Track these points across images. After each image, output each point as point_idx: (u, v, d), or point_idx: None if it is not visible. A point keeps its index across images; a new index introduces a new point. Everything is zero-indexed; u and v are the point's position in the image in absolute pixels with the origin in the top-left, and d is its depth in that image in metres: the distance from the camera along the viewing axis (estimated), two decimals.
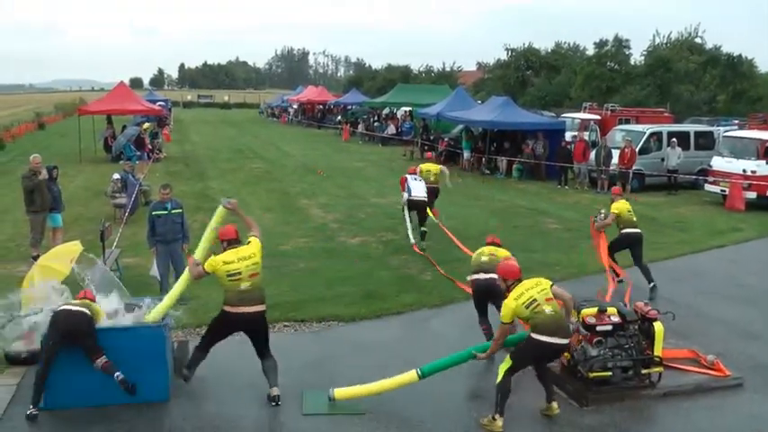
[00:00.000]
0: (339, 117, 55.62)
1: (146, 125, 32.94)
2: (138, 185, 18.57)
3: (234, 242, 8.49)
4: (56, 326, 7.97)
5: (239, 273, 8.16)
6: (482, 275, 9.51)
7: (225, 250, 8.37)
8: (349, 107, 55.61)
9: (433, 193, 17.02)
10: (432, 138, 34.56)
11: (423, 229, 15.86)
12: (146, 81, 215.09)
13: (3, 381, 8.90)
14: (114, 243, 13.50)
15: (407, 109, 44.27)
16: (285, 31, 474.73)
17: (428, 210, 16.35)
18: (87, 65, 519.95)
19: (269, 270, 13.78)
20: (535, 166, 27.46)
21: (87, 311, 8.06)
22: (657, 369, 8.57)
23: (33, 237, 14.45)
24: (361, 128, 47.38)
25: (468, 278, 10.07)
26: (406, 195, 16.00)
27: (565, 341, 7.74)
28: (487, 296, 9.52)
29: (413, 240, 15.74)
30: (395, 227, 17.89)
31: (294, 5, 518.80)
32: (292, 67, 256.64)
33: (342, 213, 19.72)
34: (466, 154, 30.73)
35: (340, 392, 8.28)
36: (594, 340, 8.46)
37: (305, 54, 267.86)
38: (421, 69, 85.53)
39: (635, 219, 13.04)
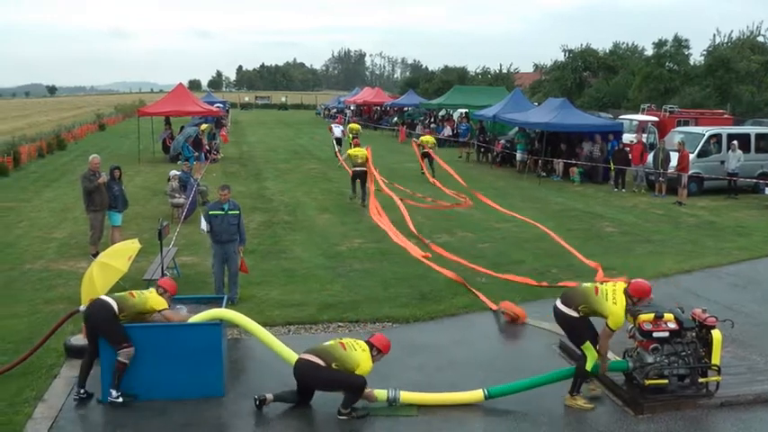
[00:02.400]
0: (395, 118, 55.72)
1: (203, 126, 33.40)
2: (195, 186, 18.88)
3: None
4: (84, 316, 8.45)
5: None
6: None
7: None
8: (405, 109, 55.63)
9: (360, 174, 21.58)
10: (488, 140, 34.40)
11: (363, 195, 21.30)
12: (204, 83, 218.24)
13: (63, 373, 9.19)
14: (172, 242, 13.77)
15: (464, 111, 44.11)
16: (342, 32, 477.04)
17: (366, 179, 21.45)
18: (147, 67, 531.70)
19: (324, 271, 13.97)
20: (591, 168, 27.10)
21: (112, 303, 8.25)
22: (715, 378, 8.38)
23: (93, 235, 14.80)
24: (418, 129, 47.37)
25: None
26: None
27: None
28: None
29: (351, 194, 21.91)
30: (451, 229, 17.88)
31: (351, 8, 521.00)
32: (349, 69, 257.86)
33: (397, 215, 19.72)
34: (520, 156, 30.50)
35: (406, 396, 8.31)
36: (651, 347, 8.31)
37: (362, 56, 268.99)
38: (478, 71, 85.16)
39: None
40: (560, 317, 8.40)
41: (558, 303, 8.43)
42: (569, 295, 8.41)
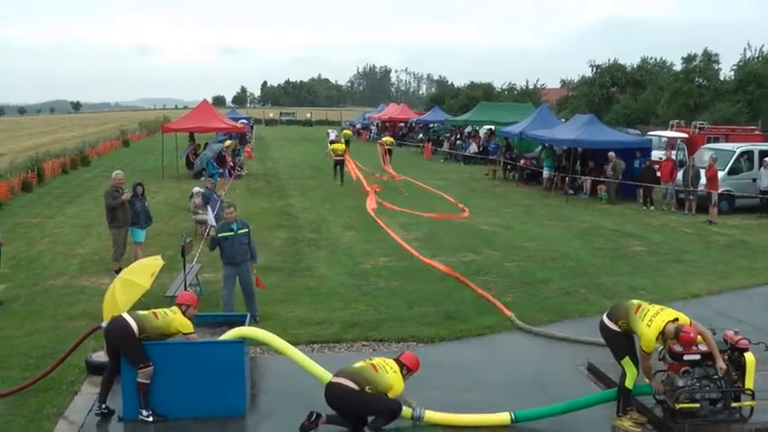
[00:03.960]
0: (421, 135, 55.72)
1: (228, 142, 33.61)
2: (219, 202, 18.97)
3: None
4: (104, 332, 8.46)
5: None
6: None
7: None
8: (431, 125, 55.68)
9: (339, 162, 31.17)
10: (514, 157, 34.28)
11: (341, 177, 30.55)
12: (228, 99, 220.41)
13: (84, 389, 9.22)
14: (195, 258, 13.80)
15: (490, 127, 44.05)
16: (368, 48, 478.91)
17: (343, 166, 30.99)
18: (172, 83, 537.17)
19: (349, 289, 13.94)
20: (611, 186, 26.89)
21: (132, 322, 8.22)
22: (749, 403, 8.20)
23: (115, 251, 14.86)
24: (445, 146, 47.38)
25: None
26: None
27: None
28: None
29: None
30: (477, 247, 17.80)
31: (377, 24, 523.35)
32: (374, 85, 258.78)
33: (422, 232, 19.71)
34: (547, 173, 30.35)
35: (430, 415, 8.24)
36: (682, 370, 8.16)
37: (387, 72, 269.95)
38: (504, 87, 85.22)
39: None
40: (603, 330, 8.46)
41: (604, 316, 8.50)
42: (615, 309, 8.46)
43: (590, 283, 14.51)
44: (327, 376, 8.19)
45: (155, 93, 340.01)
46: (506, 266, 15.83)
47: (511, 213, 23.38)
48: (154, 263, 10.41)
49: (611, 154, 26.75)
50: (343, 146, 33.00)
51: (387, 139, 42.53)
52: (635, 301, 8.39)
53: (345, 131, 51.18)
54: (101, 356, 9.36)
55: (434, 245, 18.07)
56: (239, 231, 11.61)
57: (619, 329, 8.23)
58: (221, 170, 30.44)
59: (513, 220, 22.13)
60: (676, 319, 7.97)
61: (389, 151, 39.01)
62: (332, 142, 40.59)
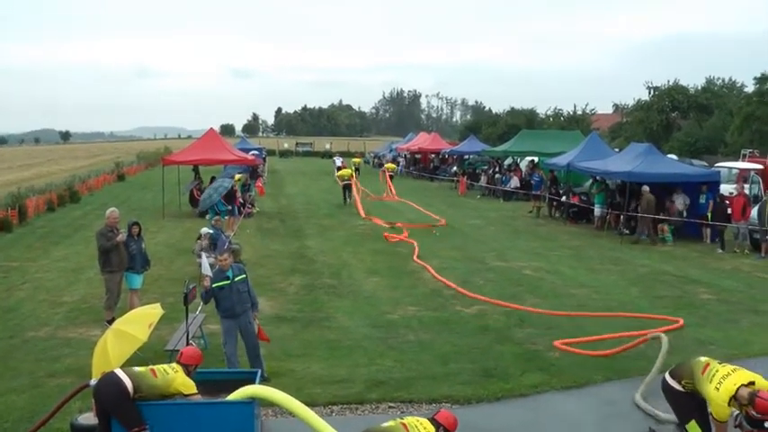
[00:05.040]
0: (455, 168, 55.88)
1: (237, 176, 33.72)
2: (227, 243, 19.04)
3: None
4: (93, 391, 8.43)
5: None
6: None
7: None
8: (466, 156, 55.82)
9: (347, 186, 39.13)
10: (560, 192, 34.20)
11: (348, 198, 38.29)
12: (238, 127, 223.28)
13: None
14: (199, 307, 13.78)
15: (533, 159, 44.06)
16: (394, 71, 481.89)
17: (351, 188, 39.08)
18: (174, 110, 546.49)
19: (373, 342, 13.89)
20: (680, 225, 26.74)
21: (126, 380, 8.19)
22: None
23: (108, 298, 14.86)
24: (483, 180, 47.41)
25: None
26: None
27: None
28: None
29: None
30: (520, 295, 17.70)
31: (404, 44, 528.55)
32: (402, 112, 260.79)
33: (457, 278, 19.63)
34: (597, 210, 30.20)
35: None
36: None
37: (416, 96, 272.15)
38: (548, 113, 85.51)
39: None
40: (666, 389, 8.44)
41: (667, 374, 8.48)
42: (679, 367, 8.43)
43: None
44: None
45: (154, 121, 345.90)
46: (553, 317, 15.69)
47: (557, 256, 23.27)
48: (152, 312, 10.47)
49: (645, 188, 26.62)
50: (350, 171, 41.28)
51: (389, 165, 55.37)
52: (702, 359, 8.27)
53: (355, 159, 61.08)
54: (89, 419, 9.31)
55: (470, 292, 17.97)
56: (236, 279, 11.54)
57: (682, 389, 8.14)
58: (230, 207, 30.52)
59: (560, 263, 22.03)
60: (752, 383, 7.80)
61: (391, 177, 49.25)
62: (338, 169, 48.54)
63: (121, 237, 14.76)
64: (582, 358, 12.94)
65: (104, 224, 14.97)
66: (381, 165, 76.53)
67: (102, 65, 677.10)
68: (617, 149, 41.61)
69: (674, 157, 39.08)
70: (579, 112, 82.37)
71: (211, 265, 17.70)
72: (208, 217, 26.37)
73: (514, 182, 43.40)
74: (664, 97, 67.64)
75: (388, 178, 48.11)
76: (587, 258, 23.10)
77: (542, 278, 19.89)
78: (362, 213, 33.62)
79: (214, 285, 11.42)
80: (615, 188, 30.48)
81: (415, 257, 22.46)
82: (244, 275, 11.72)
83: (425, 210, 35.60)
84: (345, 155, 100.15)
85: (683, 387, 8.14)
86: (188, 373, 8.52)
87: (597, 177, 30.95)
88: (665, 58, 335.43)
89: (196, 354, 8.85)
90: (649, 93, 69.12)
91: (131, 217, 16.83)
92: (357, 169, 51.07)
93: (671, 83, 68.89)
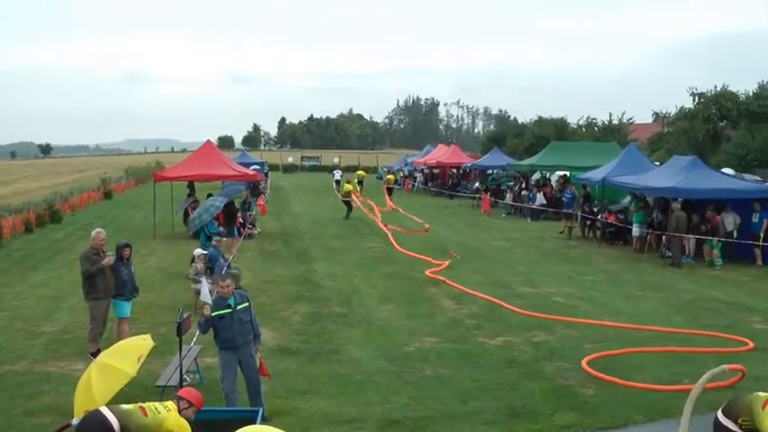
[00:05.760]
0: (477, 184, 55.90)
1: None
2: (226, 267, 19.06)
3: None
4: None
5: None
6: None
7: None
8: (489, 171, 55.81)
9: (346, 202, 42.79)
10: (595, 210, 34.13)
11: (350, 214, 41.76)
12: (238, 139, 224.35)
13: None
14: (194, 339, 13.79)
15: (564, 173, 44.02)
16: (409, 76, 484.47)
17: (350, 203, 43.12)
18: (166, 121, 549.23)
19: (387, 376, 13.87)
20: (729, 247, 26.65)
21: (112, 419, 8.13)
22: None
23: (93, 328, 14.90)
24: (508, 198, 47.36)
25: None
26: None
27: None
28: None
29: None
30: (550, 325, 17.65)
31: (420, 46, 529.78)
32: (418, 122, 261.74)
33: (480, 306, 19.62)
34: (636, 230, 30.07)
35: None
36: None
37: (434, 105, 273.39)
38: (580, 123, 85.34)
39: None
40: (718, 429, 8.35)
41: (719, 413, 8.40)
42: (732, 404, 8.36)
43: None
44: None
45: (145, 132, 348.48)
46: (587, 349, 15.63)
47: (591, 282, 23.21)
48: (141, 344, 10.46)
49: (676, 204, 26.56)
50: (351, 186, 45.31)
51: (389, 177, 62.21)
52: (761, 394, 8.20)
53: (359, 173, 65.22)
54: None
55: (495, 321, 17.98)
56: (238, 307, 11.49)
57: (739, 430, 8.08)
58: (221, 228, 30.43)
59: (595, 290, 21.98)
60: None
61: (390, 190, 55.62)
62: (337, 182, 56.59)
63: (108, 260, 14.78)
64: (620, 395, 12.87)
65: (89, 246, 15.04)
66: (396, 180, 77.25)
67: (88, 69, 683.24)
68: (657, 163, 41.48)
69: (729, 171, 38.88)
70: (615, 122, 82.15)
71: (210, 291, 17.82)
72: (201, 240, 26.22)
73: (540, 198, 43.23)
74: (710, 104, 67.30)
75: (386, 191, 55.02)
76: (625, 284, 23.03)
77: (574, 306, 19.84)
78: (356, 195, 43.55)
79: (214, 314, 11.36)
80: (654, 205, 30.35)
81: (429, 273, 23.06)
82: (247, 303, 11.68)
83: (418, 218, 40.34)
84: (353, 170, 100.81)
85: (740, 427, 8.06)
86: (181, 411, 8.49)
87: (636, 194, 30.87)
88: (712, 61, 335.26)
89: (195, 394, 8.84)
90: (694, 100, 68.81)
91: (120, 238, 16.87)
92: (360, 182, 57.90)
93: (718, 88, 68.60)
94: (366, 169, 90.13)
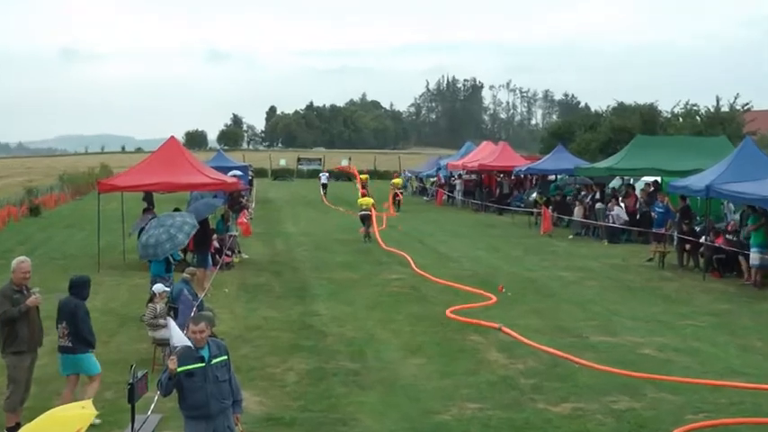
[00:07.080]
0: (534, 194, 55.82)
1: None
2: (195, 306, 19.00)
3: None
4: None
5: None
6: None
7: None
8: (551, 177, 55.78)
9: (365, 217, 43.99)
10: (698, 229, 33.96)
11: (369, 232, 43.91)
12: (212, 136, 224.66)
13: None
14: (152, 406, 13.75)
15: (654, 179, 43.94)
16: (443, 52, 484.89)
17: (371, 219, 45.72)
18: (115, 112, 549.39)
19: None
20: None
21: None
22: None
23: (12, 394, 14.69)
24: (577, 213, 47.10)
25: None
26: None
27: None
28: None
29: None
30: (637, 386, 17.52)
31: (456, 12, 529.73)
32: (455, 111, 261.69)
33: (539, 360, 19.54)
34: (755, 257, 29.83)
35: None
36: None
37: (476, 89, 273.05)
38: (676, 110, 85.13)
39: None
40: None
41: None
42: None
43: None
44: None
45: (86, 127, 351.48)
46: (688, 420, 15.52)
47: (693, 328, 23.09)
48: (79, 414, 10.41)
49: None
50: (371, 199, 47.39)
51: (396, 180, 70.68)
52: None
53: (362, 176, 73.93)
54: None
55: (560, 381, 17.91)
56: (213, 361, 11.19)
57: None
58: (182, 257, 30.32)
59: (698, 339, 21.91)
60: None
61: (395, 196, 62.40)
62: (324, 186, 65.10)
63: (34, 299, 14.60)
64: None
65: (9, 281, 14.87)
66: (424, 189, 77.52)
67: (8, 43, 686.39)
68: None
69: None
70: (725, 109, 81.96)
71: (167, 341, 17.83)
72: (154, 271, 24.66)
73: (618, 212, 42.98)
74: None
75: (391, 197, 62.00)
76: (739, 329, 22.92)
77: (670, 360, 19.77)
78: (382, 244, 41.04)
79: (180, 369, 10.94)
80: None
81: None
82: (225, 357, 11.38)
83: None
84: (374, 175, 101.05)
85: None
86: None
87: (756, 207, 30.65)
88: None
89: None
90: None
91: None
92: (364, 186, 64.72)
93: None
94: (384, 174, 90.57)
